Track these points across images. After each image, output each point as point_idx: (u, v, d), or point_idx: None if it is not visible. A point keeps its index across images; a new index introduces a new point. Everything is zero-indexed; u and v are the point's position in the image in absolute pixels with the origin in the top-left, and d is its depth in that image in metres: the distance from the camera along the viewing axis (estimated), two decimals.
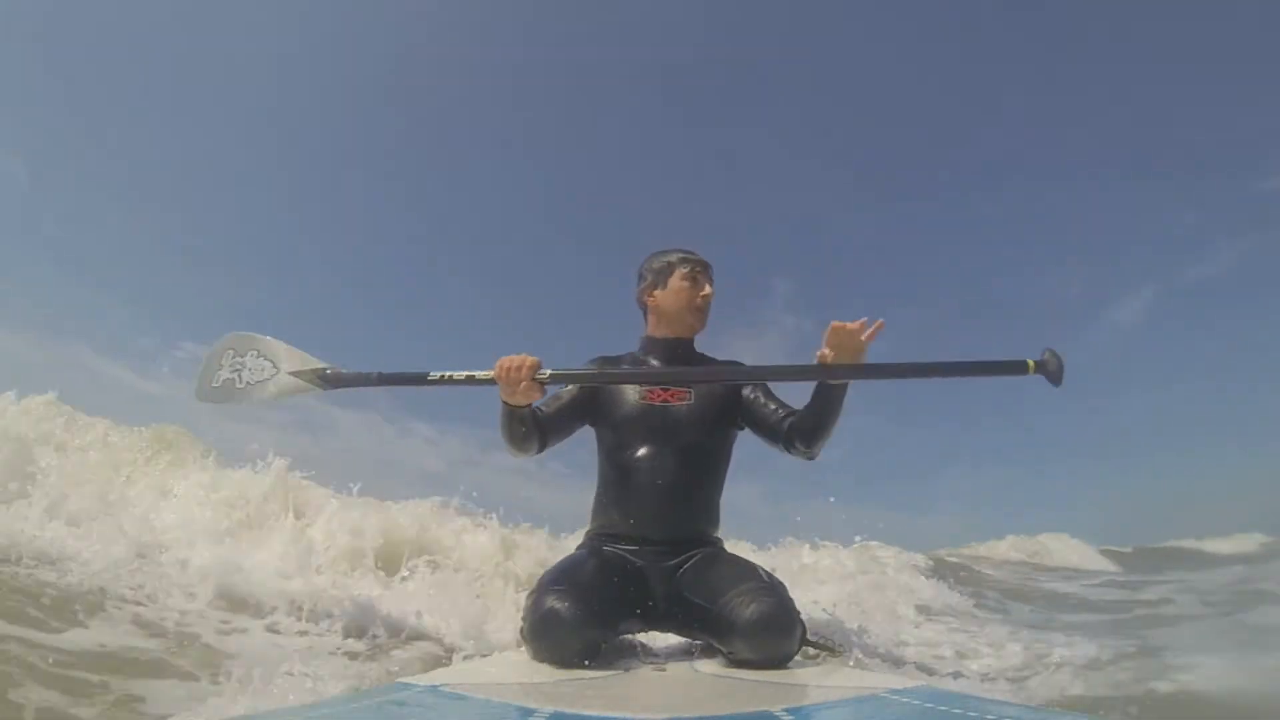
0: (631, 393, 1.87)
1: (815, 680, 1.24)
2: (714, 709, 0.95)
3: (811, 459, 1.77)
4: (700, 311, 1.94)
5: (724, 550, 1.80)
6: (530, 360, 1.62)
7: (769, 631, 1.39)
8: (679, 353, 1.95)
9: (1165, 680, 2.29)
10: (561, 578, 1.52)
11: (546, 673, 1.29)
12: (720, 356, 2.00)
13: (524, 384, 1.61)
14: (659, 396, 1.86)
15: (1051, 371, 1.61)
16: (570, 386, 1.91)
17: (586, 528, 1.91)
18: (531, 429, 1.77)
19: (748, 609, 1.41)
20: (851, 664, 2.00)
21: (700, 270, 1.94)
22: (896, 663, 2.42)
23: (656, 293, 1.95)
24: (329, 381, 1.82)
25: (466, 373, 1.67)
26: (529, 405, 1.70)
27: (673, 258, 1.95)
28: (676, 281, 1.93)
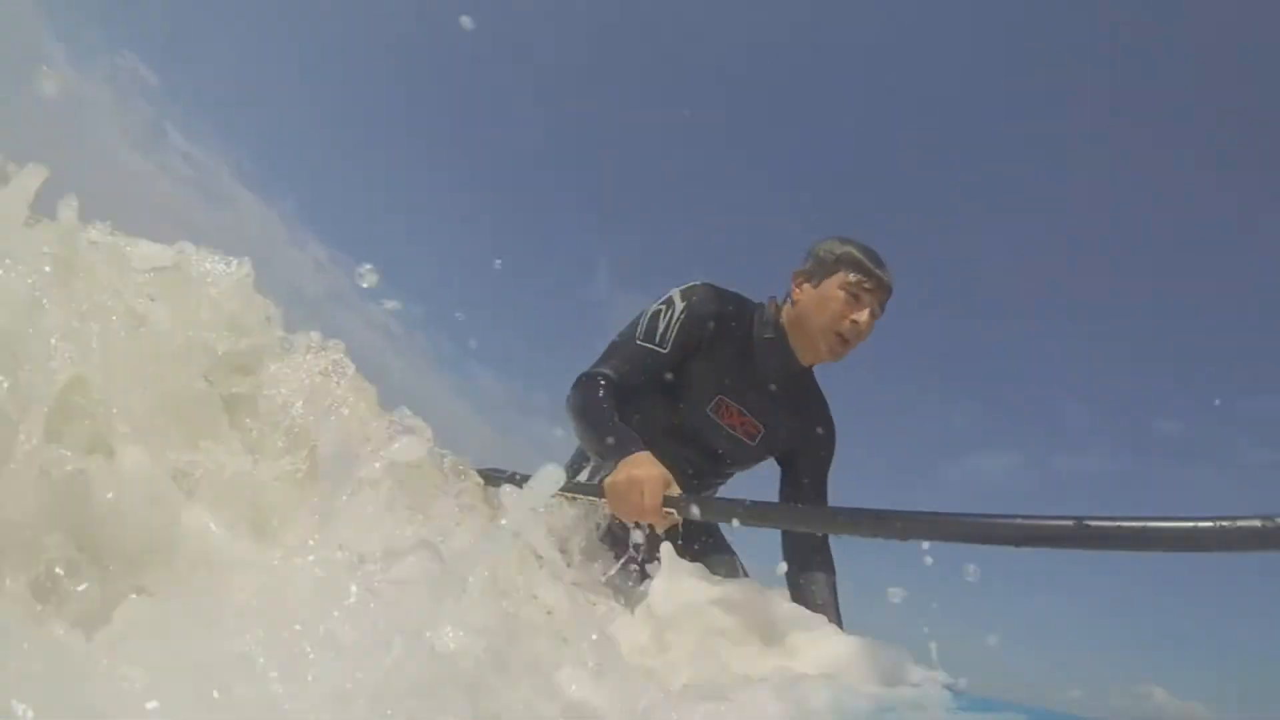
0: (707, 394, 1.58)
1: None
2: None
3: None
4: (842, 340, 1.50)
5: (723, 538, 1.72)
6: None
7: None
8: (789, 380, 1.61)
9: None
10: None
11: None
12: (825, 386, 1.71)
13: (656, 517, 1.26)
14: (733, 419, 1.60)
15: None
16: (675, 336, 1.52)
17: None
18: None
19: None
20: None
21: (868, 288, 1.47)
22: None
23: (807, 286, 1.54)
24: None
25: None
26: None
27: (844, 252, 1.50)
28: (833, 288, 1.49)
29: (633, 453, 1.28)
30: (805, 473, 1.65)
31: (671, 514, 1.23)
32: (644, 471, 1.23)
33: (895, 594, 1.10)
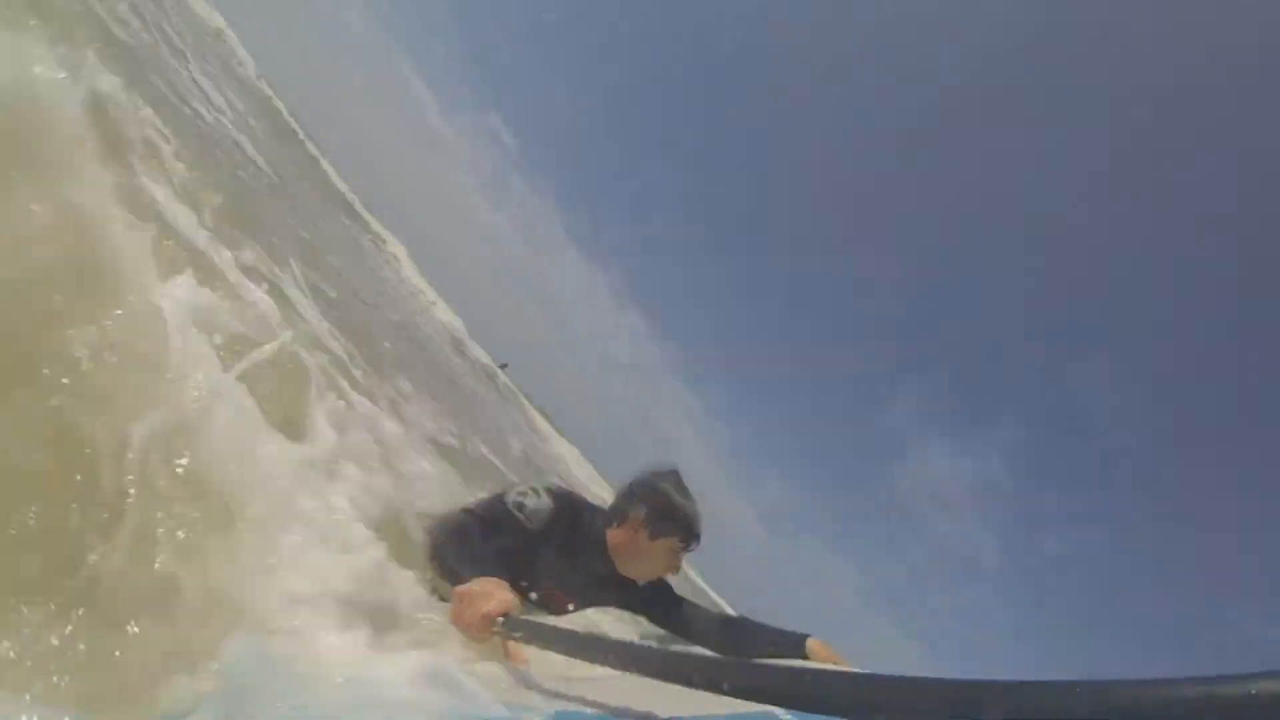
0: (536, 582, 1.73)
1: None
2: (714, 709, 0.93)
3: None
4: (660, 578, 1.83)
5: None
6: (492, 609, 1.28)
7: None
8: (609, 578, 1.79)
9: None
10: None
11: (545, 670, 1.27)
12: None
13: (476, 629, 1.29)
14: (549, 592, 1.78)
15: None
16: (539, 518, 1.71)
17: None
18: None
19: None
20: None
21: (692, 550, 1.78)
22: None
23: (640, 534, 1.73)
24: None
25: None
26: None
27: (681, 517, 1.73)
28: (663, 550, 1.74)
29: (489, 575, 1.37)
30: (688, 622, 1.84)
31: (496, 633, 1.26)
32: (483, 589, 1.31)
33: None
